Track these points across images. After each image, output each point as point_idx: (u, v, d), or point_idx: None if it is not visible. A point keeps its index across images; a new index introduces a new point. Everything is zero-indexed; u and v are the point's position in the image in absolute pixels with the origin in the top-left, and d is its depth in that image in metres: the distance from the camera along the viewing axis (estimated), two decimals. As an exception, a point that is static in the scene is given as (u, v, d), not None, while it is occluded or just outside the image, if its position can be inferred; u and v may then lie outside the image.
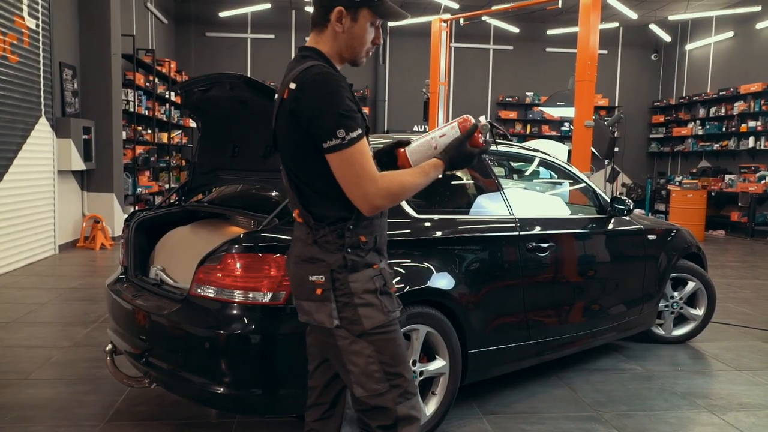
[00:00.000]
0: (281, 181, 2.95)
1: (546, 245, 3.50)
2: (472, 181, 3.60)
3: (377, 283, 1.84)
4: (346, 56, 1.89)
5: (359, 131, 1.69)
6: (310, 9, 13.48)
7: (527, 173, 5.16)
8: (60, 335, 4.54)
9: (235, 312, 2.58)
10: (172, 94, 12.36)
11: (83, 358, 4.02)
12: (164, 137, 12.38)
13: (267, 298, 2.56)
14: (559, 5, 9.58)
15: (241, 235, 2.65)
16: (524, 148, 4.23)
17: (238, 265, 2.59)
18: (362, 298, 1.81)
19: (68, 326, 4.77)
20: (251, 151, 3.27)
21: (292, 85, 1.73)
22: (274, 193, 3.31)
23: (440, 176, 1.88)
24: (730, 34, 13.57)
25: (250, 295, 2.57)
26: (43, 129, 7.71)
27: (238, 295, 2.58)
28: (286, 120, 1.76)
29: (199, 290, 2.67)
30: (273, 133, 1.88)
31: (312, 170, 1.78)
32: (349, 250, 1.81)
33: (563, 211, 4.15)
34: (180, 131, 13.51)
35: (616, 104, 16.02)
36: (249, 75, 11.42)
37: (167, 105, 12.46)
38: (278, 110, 1.80)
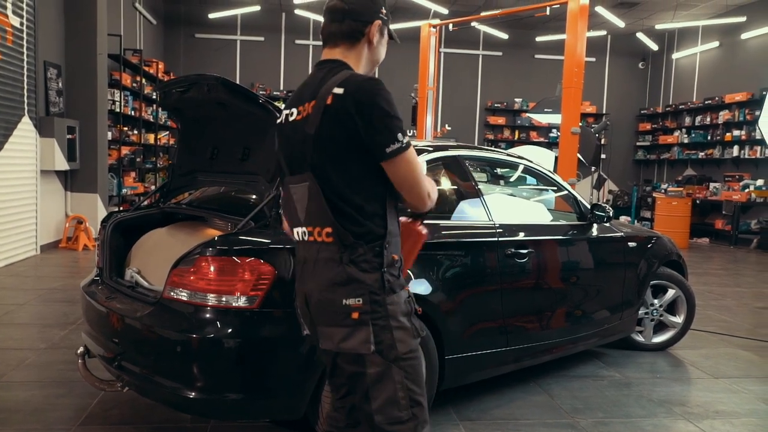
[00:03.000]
0: (259, 183, 2.98)
1: (525, 251, 3.50)
2: (453, 187, 3.60)
3: (410, 305, 1.83)
4: (370, 69, 1.94)
5: (410, 139, 1.76)
6: (299, 12, 13.55)
7: (511, 179, 5.17)
8: (36, 337, 4.49)
9: (207, 316, 2.56)
10: (160, 94, 12.27)
11: (59, 361, 3.97)
12: (151, 138, 12.31)
13: (240, 301, 2.54)
14: (547, 12, 9.63)
15: (215, 238, 2.62)
16: (507, 155, 4.24)
17: (211, 268, 2.57)
18: (399, 321, 1.76)
19: (46, 328, 4.71)
20: (229, 153, 3.25)
21: (338, 90, 1.70)
22: (252, 196, 3.29)
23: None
24: (716, 43, 13.69)
25: (224, 299, 2.55)
26: (26, 128, 7.64)
27: (211, 299, 2.56)
28: (330, 126, 1.71)
29: (172, 293, 2.64)
30: (302, 145, 1.79)
31: (353, 182, 1.74)
32: (385, 269, 1.76)
33: (544, 218, 4.16)
34: (167, 132, 13.44)
35: (604, 111, 16.11)
36: (238, 77, 11.36)
37: (154, 106, 12.39)
38: (321, 115, 1.72)
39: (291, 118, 1.87)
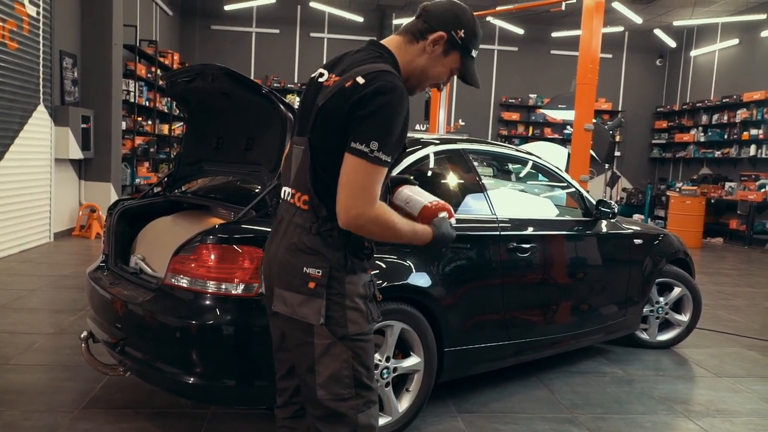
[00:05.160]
0: (261, 173, 3.00)
1: (527, 246, 3.50)
2: (457, 180, 3.60)
3: (369, 289, 1.84)
4: (413, 78, 1.87)
5: (387, 159, 1.66)
6: (315, 4, 13.57)
7: (520, 175, 5.16)
8: (46, 322, 4.56)
9: (207, 302, 2.59)
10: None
11: (66, 345, 4.04)
12: (165, 129, 12.42)
13: (240, 289, 2.57)
14: (563, 8, 9.56)
15: (216, 226, 2.66)
16: (515, 150, 4.22)
17: (212, 255, 2.60)
18: (354, 301, 1.78)
19: (55, 313, 4.79)
20: (234, 143, 3.28)
21: (360, 80, 1.67)
22: (256, 186, 3.32)
23: (416, 244, 1.85)
24: (735, 41, 13.51)
25: (223, 286, 2.58)
26: (41, 117, 7.74)
27: (211, 286, 2.59)
28: (336, 105, 1.70)
29: (173, 280, 2.68)
30: (311, 110, 1.79)
31: (338, 158, 1.71)
32: (351, 250, 1.78)
33: (548, 213, 4.15)
34: (181, 123, 13.53)
35: (620, 109, 15.98)
36: (253, 69, 11.39)
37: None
38: (334, 93, 1.72)
39: (320, 80, 1.86)
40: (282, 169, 2.00)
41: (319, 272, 1.74)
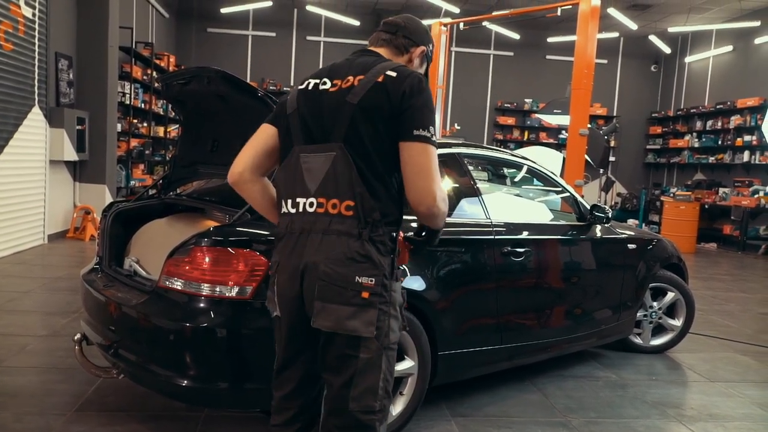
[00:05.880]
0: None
1: (522, 250, 3.51)
2: (452, 184, 3.61)
3: (404, 297, 1.84)
4: None
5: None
6: (311, 8, 13.59)
7: (515, 179, 5.17)
8: (39, 324, 4.55)
9: (201, 305, 2.59)
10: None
11: (59, 348, 4.02)
12: (160, 131, 12.40)
13: (234, 292, 2.57)
14: (558, 13, 9.60)
15: (210, 229, 2.66)
16: (509, 154, 4.24)
17: (206, 258, 2.60)
18: (396, 310, 1.77)
19: (48, 315, 4.77)
20: (229, 146, 3.27)
21: (392, 73, 1.76)
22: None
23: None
24: (729, 48, 13.59)
25: (217, 289, 2.58)
26: (36, 118, 7.72)
27: (205, 289, 2.59)
28: (377, 100, 1.73)
29: (167, 282, 2.68)
30: (335, 114, 1.78)
31: (385, 160, 1.75)
32: (395, 255, 1.77)
33: (543, 217, 4.16)
34: (177, 126, 13.51)
35: (615, 114, 16.03)
36: (249, 72, 11.41)
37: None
38: (369, 90, 1.74)
39: (322, 87, 1.84)
40: (280, 179, 1.90)
41: (372, 281, 1.69)
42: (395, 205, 1.79)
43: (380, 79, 1.75)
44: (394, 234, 1.77)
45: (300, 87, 1.91)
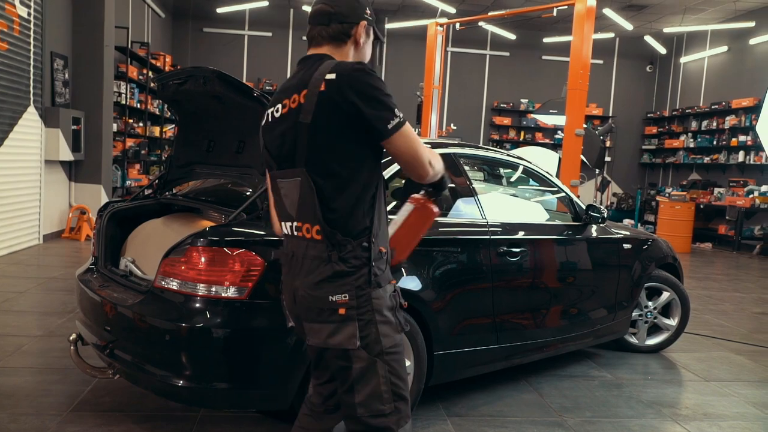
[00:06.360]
0: (253, 176, 3.01)
1: (517, 250, 3.52)
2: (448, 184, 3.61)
3: (396, 299, 1.83)
4: None
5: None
6: (308, 8, 13.54)
7: (511, 179, 5.18)
8: (34, 324, 4.54)
9: (197, 305, 2.59)
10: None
11: (55, 348, 4.01)
12: (156, 131, 12.38)
13: (230, 292, 2.57)
14: (554, 14, 9.61)
15: (206, 229, 2.66)
16: (505, 154, 4.25)
17: (202, 258, 2.60)
18: (384, 315, 1.77)
19: (44, 316, 4.76)
20: (225, 146, 3.29)
21: (331, 76, 1.71)
22: (247, 189, 3.32)
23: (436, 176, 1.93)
24: (724, 48, 13.64)
25: (213, 289, 2.58)
26: (31, 118, 7.69)
27: (201, 289, 2.59)
28: (327, 113, 1.71)
29: (163, 282, 2.68)
30: (294, 138, 1.78)
31: (344, 171, 1.74)
32: (373, 263, 1.76)
33: (538, 217, 4.17)
34: (173, 125, 13.49)
35: (611, 114, 16.07)
36: (245, 72, 11.38)
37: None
38: (316, 103, 1.72)
39: (277, 114, 1.85)
40: (271, 206, 2.01)
41: (345, 297, 1.73)
42: (363, 214, 1.78)
43: (322, 88, 1.71)
44: (366, 243, 1.76)
45: (262, 124, 1.95)
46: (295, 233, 1.83)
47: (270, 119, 1.90)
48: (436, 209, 2.07)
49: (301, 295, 1.80)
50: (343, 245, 1.74)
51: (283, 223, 1.90)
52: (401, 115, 1.75)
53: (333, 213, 1.74)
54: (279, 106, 1.85)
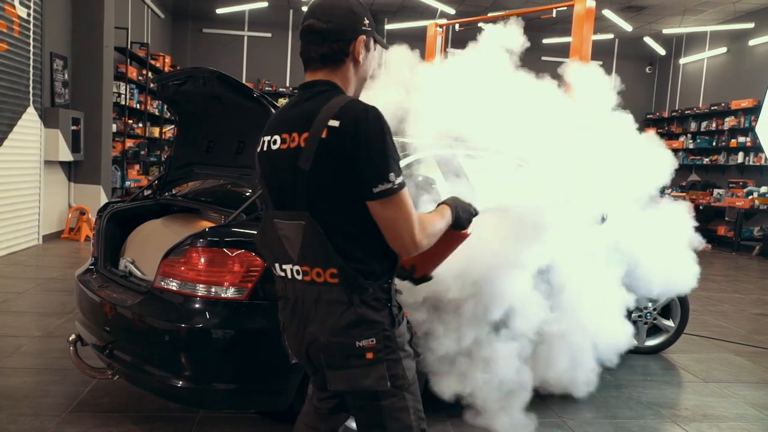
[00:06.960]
0: (252, 177, 3.01)
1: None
2: (446, 185, 3.61)
3: (411, 330, 1.79)
4: (359, 87, 1.80)
5: (402, 176, 1.60)
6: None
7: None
8: (33, 325, 4.53)
9: (196, 306, 2.59)
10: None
11: (54, 349, 4.01)
12: (156, 132, 12.39)
13: (229, 292, 2.57)
14: (554, 15, 9.63)
15: (206, 229, 2.65)
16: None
17: (201, 259, 2.60)
18: (405, 350, 1.72)
19: (43, 316, 4.76)
20: (224, 146, 3.29)
21: (334, 123, 1.56)
22: (247, 190, 3.32)
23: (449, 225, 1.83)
24: (724, 49, 13.65)
25: (213, 290, 2.58)
26: (30, 118, 7.69)
27: (200, 289, 2.59)
28: (328, 164, 1.58)
29: (162, 283, 2.68)
30: (293, 179, 1.65)
31: (358, 220, 1.62)
32: (392, 304, 1.70)
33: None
34: (172, 126, 13.50)
35: (610, 115, 16.06)
36: (244, 72, 11.35)
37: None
38: (316, 151, 1.58)
39: (274, 147, 1.70)
40: (260, 243, 1.84)
41: (373, 341, 1.64)
42: (379, 258, 1.68)
43: (324, 135, 1.57)
44: (386, 285, 1.69)
45: (258, 150, 1.79)
46: (300, 278, 1.69)
47: (266, 148, 1.74)
48: (465, 232, 1.95)
49: (323, 343, 1.67)
50: (365, 289, 1.64)
51: (278, 266, 1.75)
52: (397, 181, 1.57)
53: (349, 258, 1.63)
54: (277, 138, 1.70)
